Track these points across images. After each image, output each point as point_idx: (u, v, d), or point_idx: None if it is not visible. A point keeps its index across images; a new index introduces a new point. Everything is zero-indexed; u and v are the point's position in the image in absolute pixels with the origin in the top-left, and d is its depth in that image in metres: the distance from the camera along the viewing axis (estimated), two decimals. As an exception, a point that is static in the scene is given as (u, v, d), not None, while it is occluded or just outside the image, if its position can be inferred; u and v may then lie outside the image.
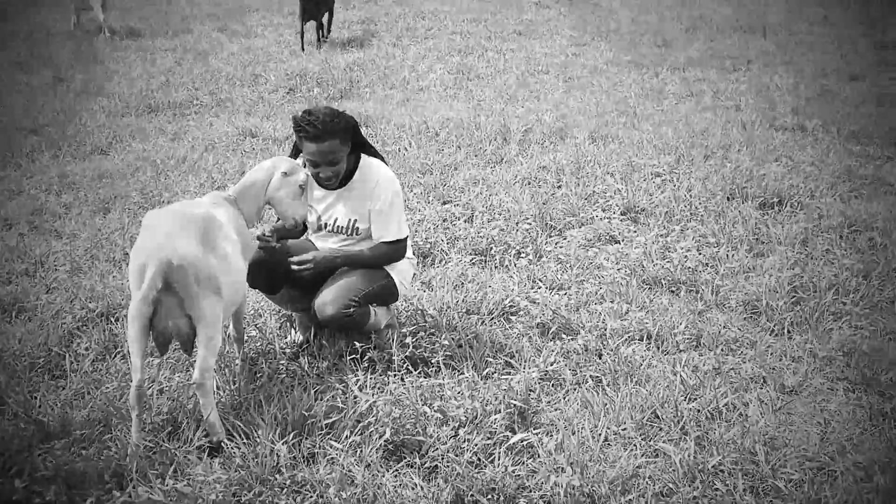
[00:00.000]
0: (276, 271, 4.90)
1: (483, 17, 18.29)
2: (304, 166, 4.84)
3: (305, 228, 5.19)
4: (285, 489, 3.80)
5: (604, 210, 7.27)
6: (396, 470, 4.01)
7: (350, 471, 3.91)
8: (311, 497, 3.77)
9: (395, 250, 4.97)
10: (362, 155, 4.98)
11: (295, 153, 5.01)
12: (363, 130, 9.46)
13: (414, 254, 5.35)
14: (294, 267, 4.77)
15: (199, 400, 4.08)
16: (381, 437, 4.10)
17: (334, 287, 4.83)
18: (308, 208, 4.79)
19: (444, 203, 7.51)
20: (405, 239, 5.00)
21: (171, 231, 4.03)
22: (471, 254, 6.46)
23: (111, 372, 4.86)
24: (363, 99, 11.76)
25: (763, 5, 18.77)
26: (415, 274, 5.55)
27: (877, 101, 10.96)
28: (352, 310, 4.77)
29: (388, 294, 5.06)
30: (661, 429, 4.33)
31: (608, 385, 4.70)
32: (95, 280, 5.95)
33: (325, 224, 5.03)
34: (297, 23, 15.50)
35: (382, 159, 5.08)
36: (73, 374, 4.84)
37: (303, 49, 14.93)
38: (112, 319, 5.46)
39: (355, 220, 4.97)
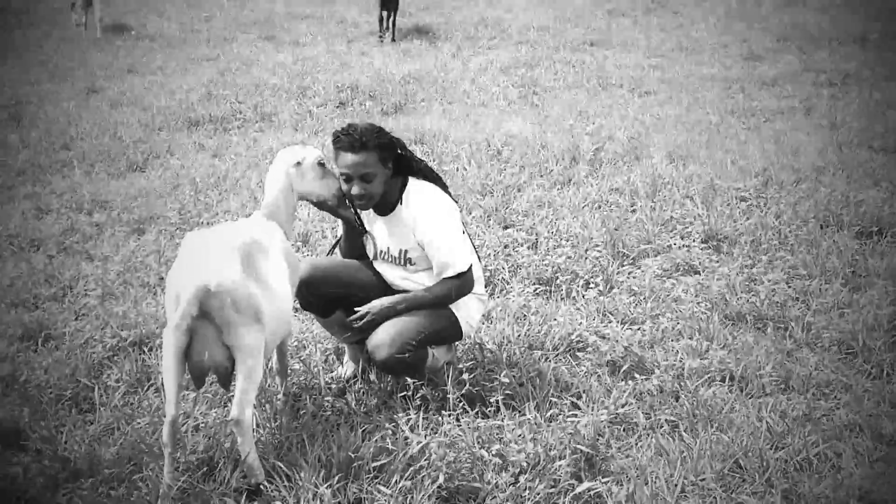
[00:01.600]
0: (329, 291, 4.95)
1: (551, 25, 18.35)
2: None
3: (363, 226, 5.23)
4: (329, 537, 3.82)
5: (682, 237, 7.23)
6: (450, 519, 4.01)
7: (400, 519, 3.91)
8: (357, 547, 3.79)
9: (460, 285, 4.90)
10: (410, 179, 4.98)
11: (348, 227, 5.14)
12: (418, 148, 9.55)
13: (485, 289, 5.28)
14: (356, 324, 4.82)
15: (237, 438, 4.10)
16: (433, 482, 4.10)
17: (390, 326, 4.79)
18: (337, 181, 4.85)
19: (506, 227, 7.52)
20: (468, 271, 4.91)
21: (210, 255, 4.08)
22: (534, 283, 6.45)
23: (143, 406, 4.91)
24: (419, 114, 11.83)
25: (862, 15, 18.59)
26: (484, 314, 5.50)
27: None
28: (408, 354, 4.75)
29: (449, 334, 5.03)
30: (743, 480, 4.28)
31: (685, 430, 4.66)
32: (128, 307, 6.02)
33: (381, 251, 5.05)
34: (376, 11, 17.57)
35: (440, 180, 5.08)
36: (102, 408, 4.89)
37: (381, 36, 17.38)
38: (145, 349, 5.52)
39: (406, 251, 4.96)
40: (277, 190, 4.72)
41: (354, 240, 5.17)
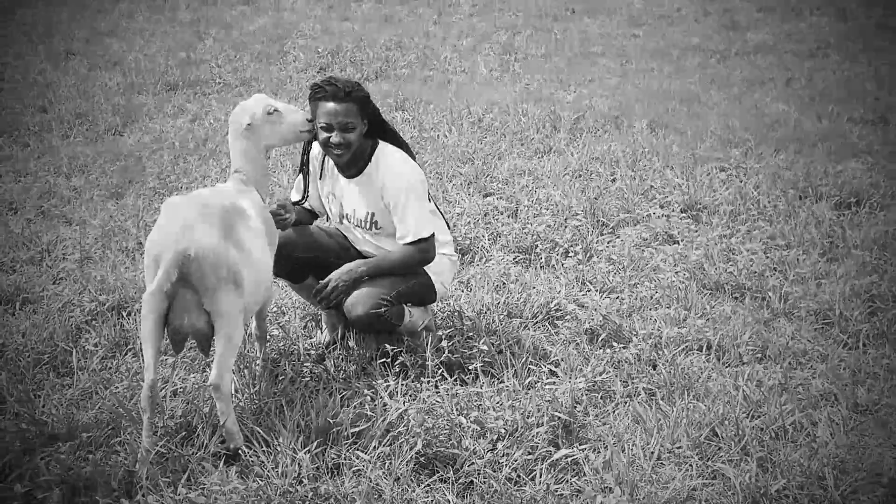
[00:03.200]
0: (299, 256, 4.96)
1: (533, -8, 18.30)
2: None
3: (314, 217, 5.27)
4: (307, 502, 3.82)
5: (662, 207, 7.25)
6: (428, 485, 4.01)
7: (378, 484, 3.92)
8: (335, 512, 3.80)
9: (420, 252, 4.90)
10: (380, 142, 4.99)
11: (305, 158, 5.11)
12: (398, 115, 9.54)
13: (456, 250, 5.30)
14: (319, 296, 4.82)
15: (216, 403, 4.10)
16: (412, 448, 4.11)
17: (365, 284, 4.82)
18: (299, 111, 4.82)
19: (486, 196, 7.52)
20: (430, 238, 4.91)
21: (189, 220, 4.06)
22: (514, 252, 6.46)
23: (121, 370, 4.90)
24: (400, 80, 11.79)
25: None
26: (456, 272, 5.52)
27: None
28: (384, 309, 4.77)
29: (424, 292, 5.05)
30: (720, 448, 4.31)
31: (662, 399, 4.69)
32: (107, 271, 6.00)
33: (346, 215, 5.05)
34: None
35: (406, 146, 5.08)
36: (80, 372, 4.88)
37: None
38: (124, 314, 5.51)
39: (372, 214, 4.97)
40: (240, 153, 4.67)
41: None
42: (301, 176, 5.17)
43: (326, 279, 4.82)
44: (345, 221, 5.09)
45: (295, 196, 5.23)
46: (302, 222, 5.16)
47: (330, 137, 4.75)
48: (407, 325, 4.99)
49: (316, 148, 5.07)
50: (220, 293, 4.02)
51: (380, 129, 4.99)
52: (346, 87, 4.75)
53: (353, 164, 4.93)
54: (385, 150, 4.96)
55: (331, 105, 4.74)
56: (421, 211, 4.88)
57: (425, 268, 5.00)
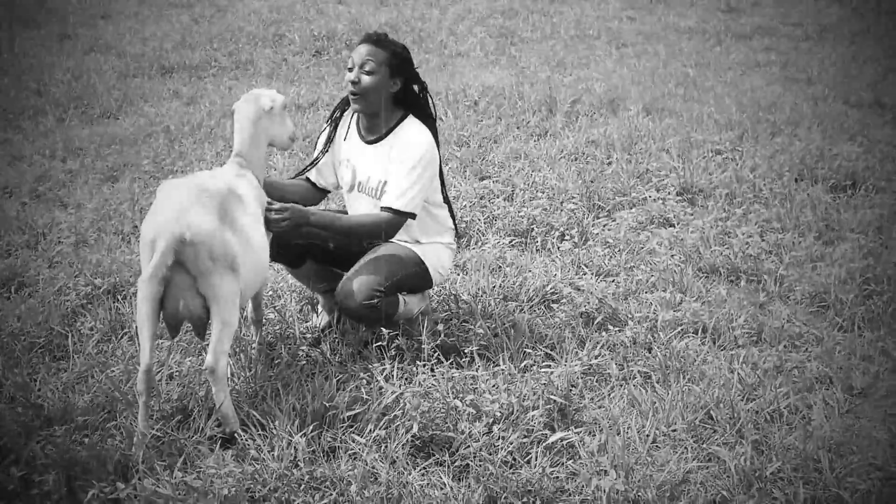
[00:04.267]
0: (298, 242, 4.90)
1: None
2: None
3: (319, 193, 5.23)
4: (303, 485, 3.82)
5: (658, 190, 7.25)
6: (424, 468, 4.02)
7: (373, 467, 3.92)
8: (331, 495, 3.79)
9: (388, 224, 4.80)
10: (410, 116, 4.97)
11: (335, 113, 5.11)
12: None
13: (455, 238, 5.27)
14: (271, 216, 4.60)
15: (212, 387, 4.10)
16: (407, 431, 4.11)
17: (358, 273, 4.77)
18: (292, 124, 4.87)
19: (482, 179, 7.52)
20: (404, 216, 4.82)
21: (185, 203, 4.04)
22: (510, 235, 6.46)
23: (117, 354, 4.90)
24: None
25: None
26: (454, 260, 5.49)
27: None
28: (376, 300, 4.71)
29: (419, 282, 5.01)
30: (715, 431, 4.31)
31: (658, 382, 4.69)
32: (102, 254, 5.99)
33: (360, 183, 5.01)
34: None
35: (435, 130, 5.02)
36: (75, 356, 4.88)
37: None
38: (119, 297, 5.51)
39: (385, 183, 4.88)
40: (248, 136, 4.65)
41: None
42: (325, 133, 5.17)
43: (286, 206, 4.62)
44: (355, 191, 5.04)
45: (316, 151, 5.19)
46: (306, 203, 5.04)
47: (350, 74, 4.81)
48: (402, 312, 4.97)
49: (346, 113, 5.09)
50: (215, 277, 4.02)
51: (416, 106, 4.98)
52: (383, 36, 4.85)
53: (375, 125, 4.93)
54: (411, 122, 4.94)
55: (362, 47, 4.82)
56: (413, 184, 4.81)
57: (423, 257, 4.97)
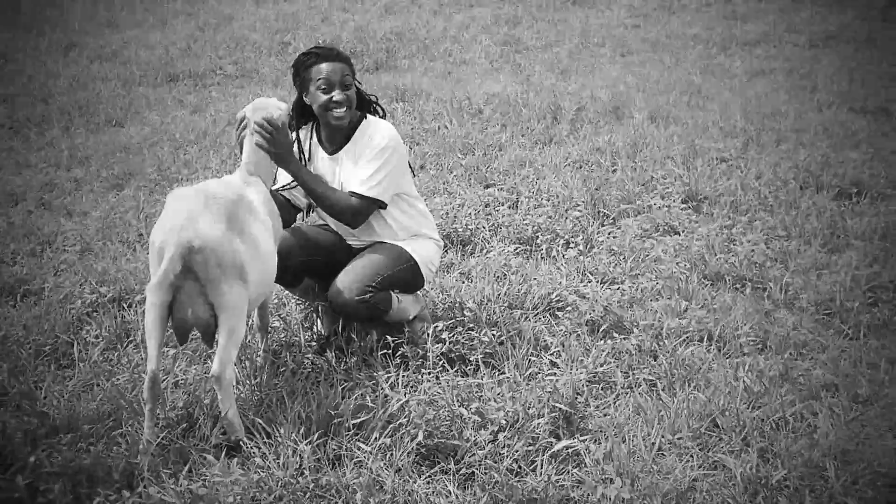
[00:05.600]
0: (296, 262, 4.90)
1: (534, -17, 18.25)
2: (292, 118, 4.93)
3: (294, 211, 5.22)
4: (308, 493, 3.82)
5: (663, 197, 7.24)
6: (429, 476, 4.02)
7: (379, 475, 3.92)
8: (336, 503, 3.79)
9: (356, 209, 4.81)
10: (367, 115, 5.03)
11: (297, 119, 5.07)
12: (399, 106, 9.54)
13: (446, 239, 5.30)
14: (255, 130, 4.61)
15: (218, 395, 4.10)
16: (413, 439, 4.11)
17: (349, 272, 4.80)
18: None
19: (487, 187, 7.52)
20: (371, 203, 4.84)
21: (194, 211, 4.05)
22: (515, 243, 6.46)
23: (123, 362, 4.91)
24: (401, 71, 11.78)
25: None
26: (442, 258, 5.50)
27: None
28: (368, 295, 4.74)
29: (410, 278, 5.02)
30: (720, 439, 4.31)
31: (663, 389, 4.69)
32: (108, 262, 6.00)
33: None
34: None
35: (385, 118, 5.12)
36: (81, 364, 4.89)
37: None
38: (125, 305, 5.51)
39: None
40: (256, 145, 4.70)
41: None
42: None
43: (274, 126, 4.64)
44: None
45: (282, 180, 5.14)
46: (285, 221, 5.03)
47: (332, 97, 4.80)
48: (396, 312, 4.96)
49: (301, 132, 5.08)
50: (224, 285, 4.02)
51: (364, 101, 5.04)
52: (334, 49, 4.90)
53: (336, 135, 4.96)
54: (373, 119, 5.01)
55: (325, 65, 4.82)
56: (385, 174, 4.84)
57: (413, 254, 4.99)
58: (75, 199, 7.38)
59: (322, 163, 5.03)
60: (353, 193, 4.81)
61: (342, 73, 4.81)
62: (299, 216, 5.31)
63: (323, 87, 4.80)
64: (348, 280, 4.76)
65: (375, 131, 4.91)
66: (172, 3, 16.46)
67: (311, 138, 5.07)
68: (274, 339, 5.10)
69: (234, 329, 4.05)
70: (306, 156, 5.08)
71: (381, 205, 4.88)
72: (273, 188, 5.07)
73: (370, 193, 4.81)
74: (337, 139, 4.97)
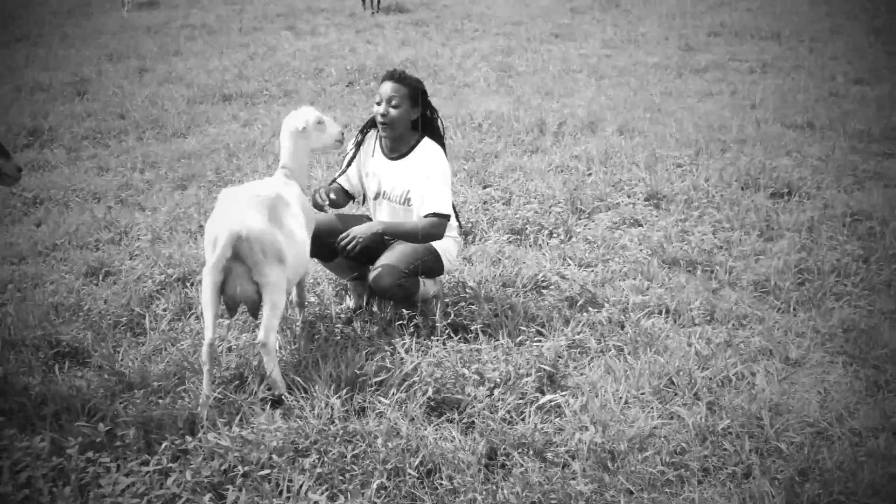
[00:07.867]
0: (331, 241, 4.88)
1: (524, 20, 18.15)
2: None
3: (348, 197, 5.21)
4: (338, 438, 3.81)
5: (629, 196, 7.21)
6: (437, 424, 4.02)
7: (396, 424, 3.91)
8: (361, 446, 3.78)
9: (434, 226, 4.82)
10: (426, 137, 4.99)
11: (361, 135, 5.10)
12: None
13: (461, 234, 5.28)
14: (340, 246, 4.71)
15: (263, 357, 4.11)
16: (424, 394, 4.11)
17: (387, 262, 4.78)
18: (337, 125, 4.85)
19: (485, 187, 7.49)
20: (446, 217, 4.87)
21: (241, 207, 4.08)
22: (508, 233, 6.43)
23: (186, 331, 4.91)
24: (414, 92, 11.70)
25: (779, 15, 18.41)
26: (460, 251, 5.48)
27: (878, 102, 10.73)
28: (403, 280, 4.75)
29: (434, 266, 5.01)
30: (676, 394, 4.30)
31: (629, 354, 4.68)
32: (174, 249, 6.00)
33: (384, 192, 5.02)
34: None
35: (444, 147, 5.07)
36: (152, 332, 4.90)
37: (364, 7, 19.37)
38: (188, 284, 5.51)
39: (408, 191, 4.94)
40: (289, 152, 4.69)
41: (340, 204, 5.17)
42: (353, 149, 5.15)
43: (348, 232, 4.72)
44: (380, 198, 5.06)
45: (344, 164, 5.18)
46: (339, 204, 5.10)
47: (379, 109, 4.82)
48: (421, 293, 4.97)
49: (369, 134, 5.10)
50: (266, 268, 4.03)
51: (430, 128, 5.01)
52: (402, 74, 4.85)
53: (398, 146, 4.95)
54: (429, 143, 4.97)
55: (385, 83, 4.83)
56: (446, 193, 4.87)
57: (435, 246, 4.97)
58: (147, 197, 7.36)
59: (384, 165, 5.02)
60: (436, 214, 4.82)
61: (393, 91, 4.79)
62: (350, 205, 5.38)
63: (377, 101, 4.84)
64: (387, 269, 4.74)
65: (432, 156, 4.91)
66: (227, 36, 16.42)
67: (376, 142, 5.07)
68: (310, 312, 5.09)
69: (276, 303, 4.06)
70: (371, 150, 5.07)
71: (449, 218, 4.90)
72: (331, 181, 5.17)
73: (446, 211, 4.85)
74: (396, 150, 4.97)
